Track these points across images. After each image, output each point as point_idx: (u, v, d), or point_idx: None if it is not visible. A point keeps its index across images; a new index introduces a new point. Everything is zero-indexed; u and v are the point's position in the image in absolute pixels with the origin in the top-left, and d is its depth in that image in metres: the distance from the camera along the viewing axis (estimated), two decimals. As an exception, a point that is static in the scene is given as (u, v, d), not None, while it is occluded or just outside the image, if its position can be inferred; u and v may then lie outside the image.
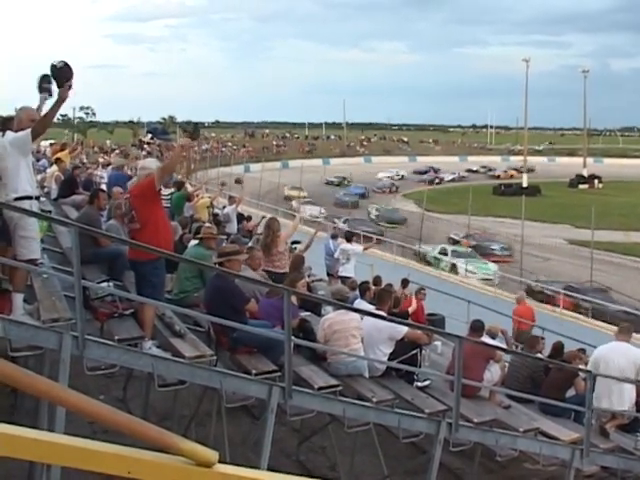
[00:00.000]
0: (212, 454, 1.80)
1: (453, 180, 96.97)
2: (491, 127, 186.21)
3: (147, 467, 1.75)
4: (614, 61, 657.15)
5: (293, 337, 8.03)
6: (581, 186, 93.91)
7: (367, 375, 9.63)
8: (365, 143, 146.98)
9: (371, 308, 10.53)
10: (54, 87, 7.15)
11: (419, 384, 9.96)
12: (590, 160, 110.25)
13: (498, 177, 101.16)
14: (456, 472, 10.60)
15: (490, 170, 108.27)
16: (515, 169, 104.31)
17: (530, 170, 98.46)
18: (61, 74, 7.16)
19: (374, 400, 8.64)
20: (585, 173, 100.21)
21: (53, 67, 7.16)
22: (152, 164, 8.72)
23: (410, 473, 9.96)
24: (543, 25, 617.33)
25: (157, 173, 8.26)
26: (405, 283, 17.52)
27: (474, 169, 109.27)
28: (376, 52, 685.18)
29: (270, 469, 6.86)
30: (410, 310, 15.40)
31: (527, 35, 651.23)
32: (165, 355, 7.53)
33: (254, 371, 7.99)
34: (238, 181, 25.27)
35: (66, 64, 7.23)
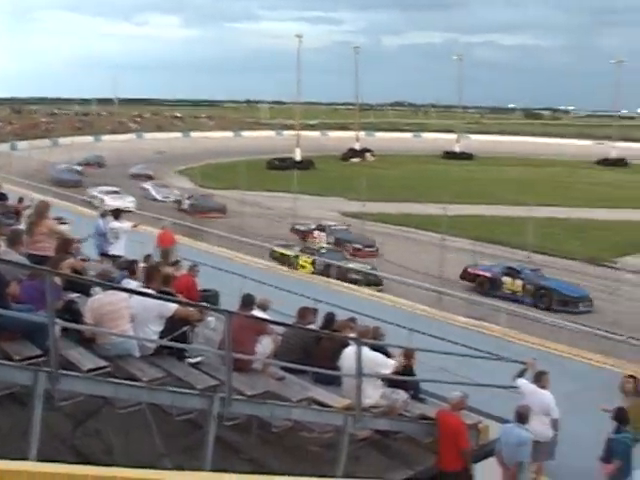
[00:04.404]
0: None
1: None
2: (265, 102, 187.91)
3: None
4: (385, 38, 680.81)
5: (58, 319, 7.81)
6: (353, 159, 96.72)
7: (138, 354, 9.53)
8: (138, 119, 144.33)
9: (139, 286, 10.42)
10: None
11: (191, 360, 9.96)
12: (362, 134, 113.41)
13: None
14: (233, 445, 10.68)
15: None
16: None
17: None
18: None
19: (145, 379, 8.59)
20: (357, 147, 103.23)
21: None
22: None
23: (187, 450, 9.97)
24: (316, 1, 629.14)
25: None
26: (175, 263, 17.44)
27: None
28: (149, 26, 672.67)
29: (43, 456, 6.71)
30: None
31: (301, 11, 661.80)
32: None
33: (17, 357, 7.73)
34: None
35: None
